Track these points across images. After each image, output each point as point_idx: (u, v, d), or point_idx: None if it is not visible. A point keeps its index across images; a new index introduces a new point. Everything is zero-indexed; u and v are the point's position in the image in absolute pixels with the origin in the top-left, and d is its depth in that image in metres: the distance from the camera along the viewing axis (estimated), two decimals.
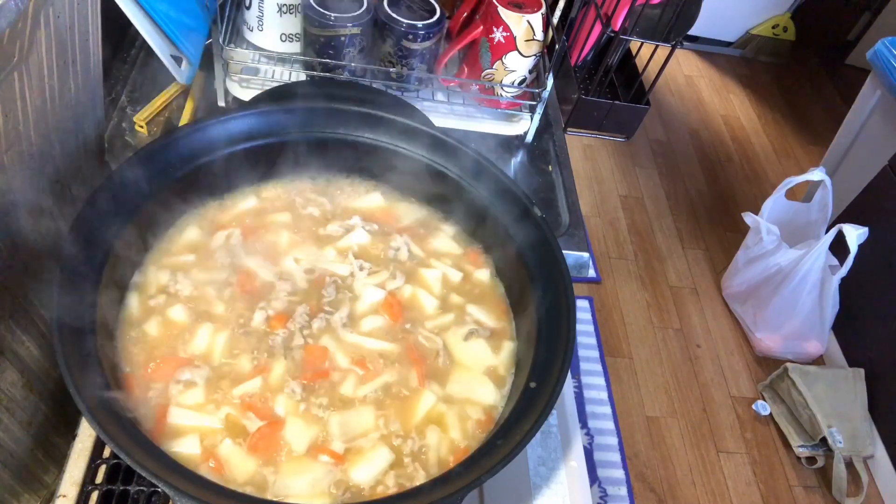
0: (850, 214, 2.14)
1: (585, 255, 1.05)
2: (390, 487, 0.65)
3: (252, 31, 1.09)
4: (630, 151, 2.90)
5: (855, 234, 1.92)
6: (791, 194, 2.22)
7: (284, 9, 1.06)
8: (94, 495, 0.72)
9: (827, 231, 2.03)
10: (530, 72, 1.13)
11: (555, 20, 1.10)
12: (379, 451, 0.67)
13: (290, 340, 0.73)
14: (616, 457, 1.97)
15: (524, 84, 1.14)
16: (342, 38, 1.02)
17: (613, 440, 2.01)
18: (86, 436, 0.75)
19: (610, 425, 2.04)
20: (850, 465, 1.99)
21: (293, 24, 1.07)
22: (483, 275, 0.84)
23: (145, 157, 0.72)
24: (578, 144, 2.86)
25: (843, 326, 2.20)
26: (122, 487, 0.72)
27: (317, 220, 0.85)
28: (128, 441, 0.56)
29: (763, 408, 2.14)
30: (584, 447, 1.65)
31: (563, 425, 0.88)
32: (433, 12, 1.06)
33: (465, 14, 1.18)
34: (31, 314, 0.75)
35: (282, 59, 1.12)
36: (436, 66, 1.11)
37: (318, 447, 0.66)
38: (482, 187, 0.81)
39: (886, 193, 2.00)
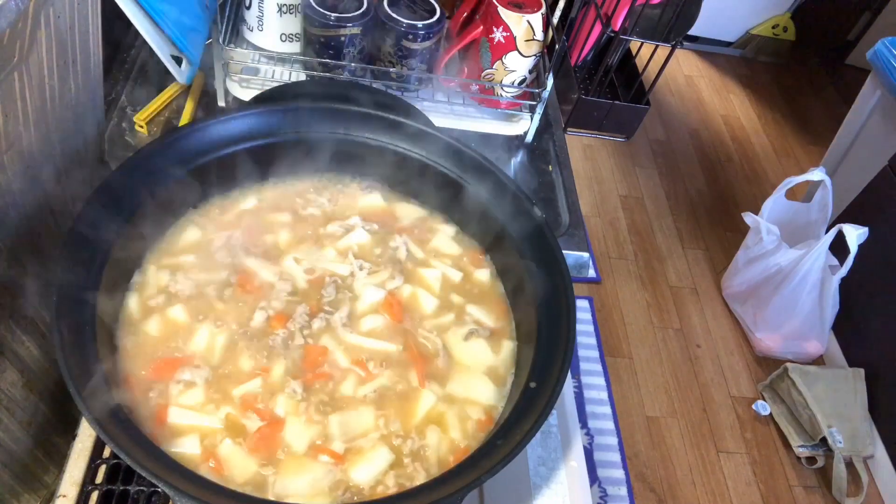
0: (850, 214, 2.14)
1: (585, 255, 1.05)
2: (390, 487, 0.65)
3: (252, 31, 1.09)
4: (630, 151, 2.90)
5: (855, 234, 1.92)
6: (791, 194, 2.22)
7: (284, 9, 1.06)
8: (94, 495, 0.72)
9: (827, 231, 2.03)
10: (530, 72, 1.13)
11: (555, 20, 1.10)
12: (379, 451, 0.67)
13: (290, 340, 0.73)
14: (616, 457, 1.97)
15: (524, 84, 1.14)
16: (342, 38, 1.02)
17: (613, 440, 2.01)
18: (86, 436, 0.75)
19: (610, 425, 2.04)
20: (850, 465, 1.99)
21: (293, 24, 1.07)
22: (483, 275, 0.84)
23: (145, 158, 0.72)
24: (578, 144, 2.86)
25: (843, 326, 2.20)
26: (122, 487, 0.72)
27: (317, 220, 0.85)
28: (128, 441, 0.56)
29: (763, 408, 2.14)
30: (584, 447, 1.65)
31: (563, 425, 0.88)
32: (433, 12, 1.06)
33: (465, 14, 1.18)
34: (31, 314, 0.75)
35: (282, 59, 1.12)
36: (436, 66, 1.11)
37: (318, 447, 0.66)
38: (482, 187, 0.81)
39: (886, 193, 2.00)
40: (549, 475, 0.83)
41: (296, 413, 0.68)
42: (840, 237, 1.94)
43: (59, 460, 0.79)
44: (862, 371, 2.08)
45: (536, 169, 1.18)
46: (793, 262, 2.06)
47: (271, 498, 0.62)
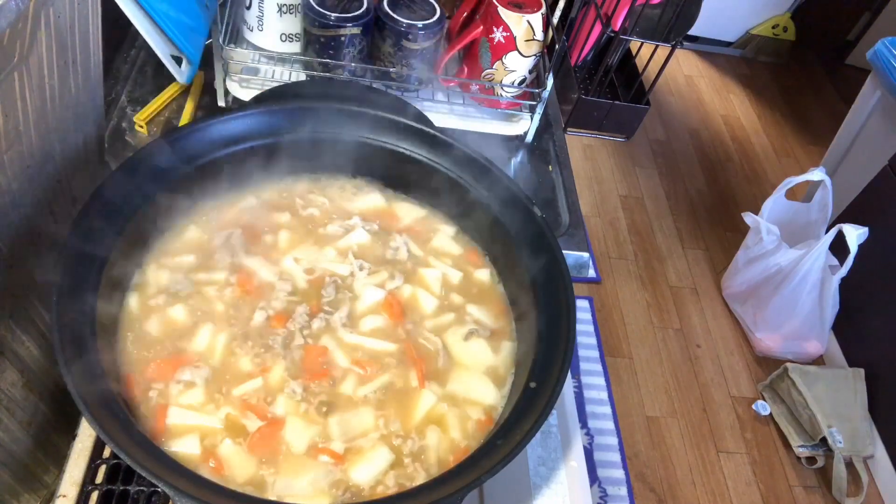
0: (850, 214, 2.14)
1: (585, 255, 1.05)
2: (390, 487, 0.65)
3: (252, 31, 1.09)
4: (630, 151, 2.89)
5: (855, 234, 1.92)
6: (791, 194, 2.22)
7: (284, 9, 1.06)
8: (94, 495, 0.72)
9: (827, 231, 2.03)
10: (530, 72, 1.13)
11: (555, 20, 1.10)
12: (379, 451, 0.67)
13: (290, 340, 0.73)
14: (616, 457, 1.97)
15: (524, 84, 1.14)
16: (342, 38, 1.02)
17: (613, 440, 2.01)
18: (86, 436, 0.75)
19: (610, 425, 2.04)
20: (850, 465, 1.99)
21: (293, 24, 1.08)
22: (483, 275, 0.84)
23: (145, 157, 0.72)
24: (578, 144, 2.86)
25: (843, 326, 2.20)
26: (122, 487, 0.72)
27: (317, 220, 0.85)
28: (128, 441, 0.56)
29: (763, 408, 2.14)
30: (584, 447, 1.65)
31: (563, 425, 0.88)
32: (433, 12, 1.06)
33: (465, 14, 1.18)
34: (31, 314, 0.75)
35: (282, 59, 1.12)
36: (436, 66, 1.11)
37: (317, 447, 0.66)
38: (482, 187, 0.81)
39: (886, 193, 2.00)
40: (549, 475, 0.83)
41: (296, 413, 0.68)
42: (840, 237, 1.95)
43: (59, 460, 0.79)
44: (862, 371, 2.08)
45: (536, 169, 1.18)
46: (793, 262, 2.06)
47: (271, 498, 0.62)
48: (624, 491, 1.91)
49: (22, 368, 0.74)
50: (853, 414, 2.02)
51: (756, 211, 2.19)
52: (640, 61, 1.39)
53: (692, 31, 2.55)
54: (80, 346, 0.60)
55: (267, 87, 1.03)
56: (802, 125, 3.22)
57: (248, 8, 1.07)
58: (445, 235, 0.87)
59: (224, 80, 1.05)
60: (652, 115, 3.06)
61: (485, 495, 0.79)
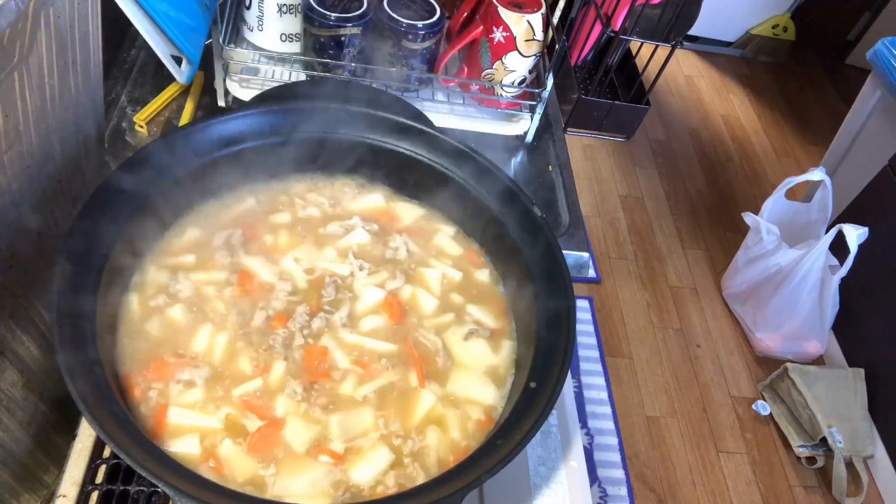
0: (850, 214, 2.14)
1: (585, 255, 1.05)
2: (390, 487, 0.65)
3: (252, 31, 1.09)
4: (630, 151, 2.89)
5: (855, 234, 1.92)
6: (791, 194, 2.22)
7: (284, 9, 1.06)
8: (94, 495, 0.71)
9: (827, 231, 2.03)
10: (530, 72, 1.13)
11: (555, 20, 1.10)
12: (379, 451, 0.67)
13: (290, 340, 0.73)
14: (616, 457, 1.98)
15: (524, 84, 1.14)
16: (342, 38, 1.02)
17: (613, 440, 2.01)
18: (86, 436, 0.75)
19: (610, 425, 2.04)
20: (850, 465, 1.99)
21: (293, 24, 1.08)
22: (483, 275, 0.84)
23: (145, 158, 0.72)
24: (578, 144, 2.86)
25: (843, 326, 2.20)
26: (122, 487, 0.72)
27: (317, 220, 0.85)
28: (128, 441, 0.56)
29: (763, 408, 2.14)
30: (584, 447, 1.65)
31: (563, 425, 0.88)
32: (433, 12, 1.06)
33: (465, 14, 1.18)
34: (31, 314, 0.75)
35: (282, 59, 1.12)
36: (436, 66, 1.11)
37: (317, 447, 0.66)
38: (482, 187, 0.81)
39: (886, 193, 2.00)
40: (549, 475, 0.83)
41: (296, 413, 0.68)
42: (840, 237, 1.95)
43: (59, 460, 0.79)
44: (862, 371, 2.08)
45: (536, 169, 1.18)
46: (793, 262, 2.06)
47: (271, 498, 0.62)
48: (624, 491, 1.91)
49: (22, 368, 0.74)
50: (853, 414, 2.02)
51: (756, 211, 2.19)
52: (640, 61, 1.39)
53: (692, 31, 2.55)
54: (80, 347, 0.60)
55: (267, 87, 1.03)
56: (802, 125, 3.22)
57: (248, 8, 1.07)
58: (445, 235, 0.87)
59: (224, 80, 1.05)
60: (652, 115, 3.06)
61: (485, 495, 0.79)
